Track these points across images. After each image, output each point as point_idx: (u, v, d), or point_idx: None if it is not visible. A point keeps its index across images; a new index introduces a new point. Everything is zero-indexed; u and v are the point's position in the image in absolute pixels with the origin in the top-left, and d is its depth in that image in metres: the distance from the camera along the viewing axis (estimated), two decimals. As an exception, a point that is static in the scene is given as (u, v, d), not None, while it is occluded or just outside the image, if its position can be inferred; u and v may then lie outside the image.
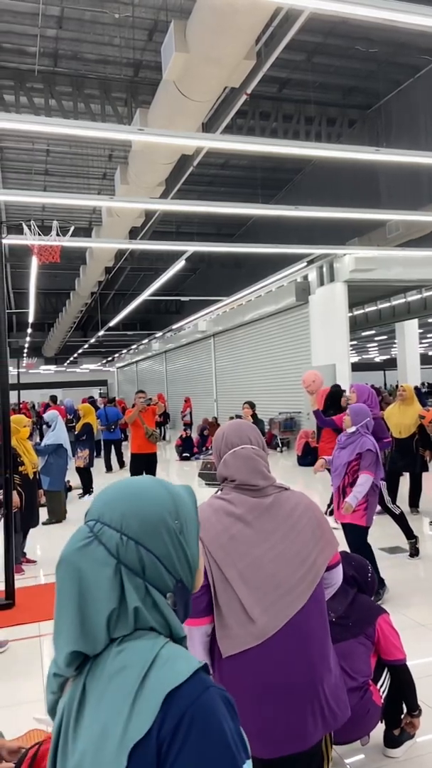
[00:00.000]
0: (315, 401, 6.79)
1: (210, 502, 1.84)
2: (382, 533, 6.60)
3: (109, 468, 13.28)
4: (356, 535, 4.45)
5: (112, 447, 13.45)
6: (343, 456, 4.48)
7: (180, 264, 10.93)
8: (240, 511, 1.77)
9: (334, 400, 7.21)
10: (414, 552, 5.74)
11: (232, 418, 12.83)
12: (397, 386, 9.90)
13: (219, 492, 1.90)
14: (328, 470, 4.87)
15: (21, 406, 23.61)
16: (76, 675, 0.91)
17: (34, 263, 10.12)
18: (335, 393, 7.36)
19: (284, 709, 1.61)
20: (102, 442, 13.69)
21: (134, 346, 31.49)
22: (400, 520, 5.68)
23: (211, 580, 1.68)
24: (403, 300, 17.16)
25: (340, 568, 1.89)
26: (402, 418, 7.04)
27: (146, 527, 0.93)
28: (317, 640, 1.70)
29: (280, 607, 1.66)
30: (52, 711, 0.96)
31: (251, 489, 1.81)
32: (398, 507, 5.71)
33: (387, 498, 5.70)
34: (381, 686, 2.65)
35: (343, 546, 4.29)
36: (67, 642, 0.89)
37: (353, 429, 4.48)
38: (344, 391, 7.57)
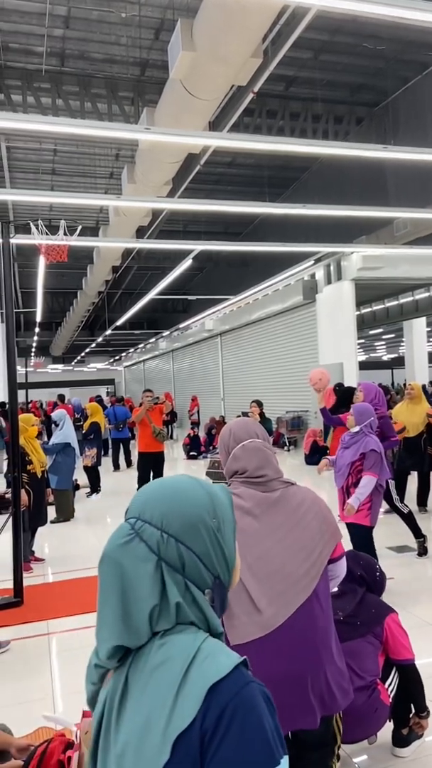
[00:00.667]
0: (322, 399, 6.78)
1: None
2: (389, 532, 6.58)
3: (116, 467, 13.32)
4: (360, 535, 4.42)
5: (121, 446, 13.49)
6: (347, 456, 4.45)
7: (187, 263, 10.94)
8: (248, 505, 1.81)
9: (346, 398, 7.19)
10: (422, 551, 5.72)
11: (239, 416, 12.83)
12: (404, 385, 9.86)
13: (229, 485, 1.93)
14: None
15: (30, 405, 23.68)
16: (118, 666, 0.95)
17: (42, 263, 10.15)
18: (347, 391, 7.35)
19: (288, 695, 1.66)
20: (110, 441, 13.74)
21: (141, 345, 31.53)
22: (409, 519, 5.66)
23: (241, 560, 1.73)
24: (411, 298, 17.08)
25: (343, 561, 1.92)
26: (410, 417, 7.01)
27: (186, 525, 0.96)
28: (321, 630, 1.74)
29: (287, 599, 1.71)
30: (92, 701, 1.00)
31: (260, 482, 1.86)
32: (406, 506, 5.70)
33: (395, 497, 5.69)
34: (389, 686, 2.64)
35: (347, 545, 4.29)
36: (110, 635, 0.92)
37: (357, 429, 4.46)
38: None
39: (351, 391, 7.38)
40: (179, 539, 0.94)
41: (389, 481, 5.69)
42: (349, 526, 4.48)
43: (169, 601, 0.92)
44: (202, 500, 0.99)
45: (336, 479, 4.60)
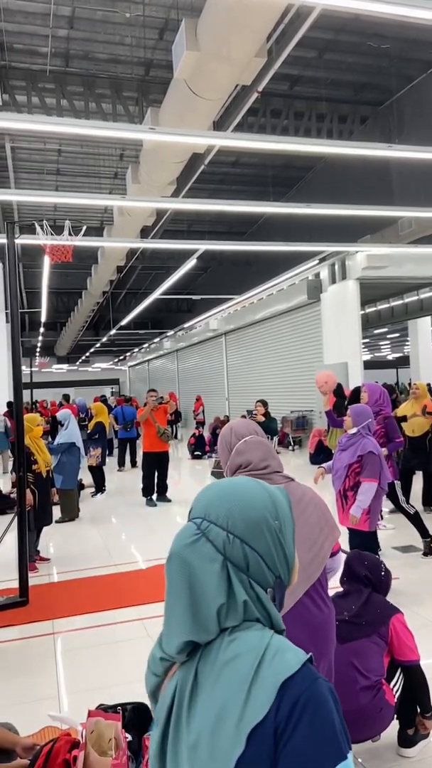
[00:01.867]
0: (328, 401, 6.74)
1: None
2: (395, 532, 6.57)
3: (122, 464, 13.40)
4: (360, 541, 4.31)
5: (127, 445, 13.55)
6: (344, 458, 4.33)
7: (191, 263, 10.93)
8: None
9: (354, 399, 7.20)
10: (428, 551, 5.70)
11: (243, 415, 12.83)
12: (409, 384, 9.85)
13: None
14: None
15: (38, 404, 23.77)
16: (186, 660, 0.98)
17: (47, 263, 10.17)
18: (354, 392, 7.37)
19: None
20: (117, 441, 13.81)
21: (146, 345, 31.56)
22: (415, 519, 5.65)
23: None
24: (415, 297, 17.04)
25: (341, 556, 1.99)
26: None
27: (250, 526, 0.99)
28: (320, 618, 1.81)
29: (292, 587, 1.73)
30: (154, 692, 1.04)
31: (265, 475, 1.92)
32: (412, 506, 5.68)
33: (401, 498, 5.67)
34: (394, 686, 2.64)
35: (345, 546, 4.27)
36: (181, 632, 0.96)
37: (354, 430, 4.35)
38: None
39: (358, 391, 7.39)
40: (244, 540, 0.98)
41: (395, 482, 5.69)
42: (348, 531, 4.42)
43: (236, 599, 0.96)
44: (264, 502, 1.02)
45: (333, 482, 4.48)
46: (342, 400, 7.14)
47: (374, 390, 5.85)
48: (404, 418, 7.01)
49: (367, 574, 2.84)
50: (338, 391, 8.69)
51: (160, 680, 1.03)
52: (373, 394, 5.76)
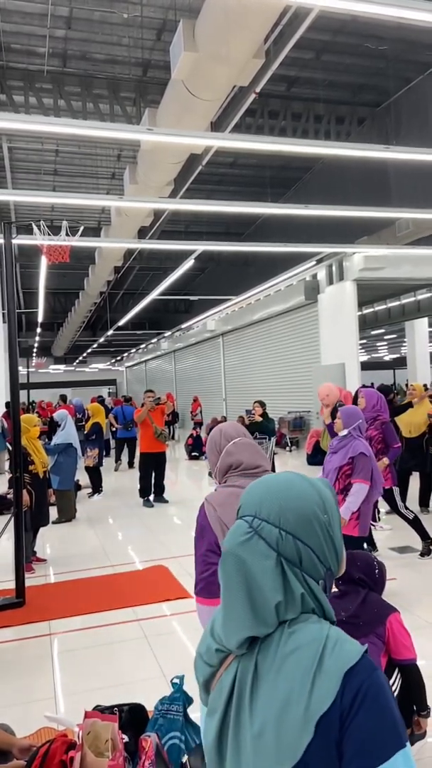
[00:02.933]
0: (328, 415, 6.60)
1: (222, 489, 2.03)
2: (391, 533, 6.58)
3: (118, 460, 13.47)
4: (351, 547, 4.29)
5: (126, 445, 13.60)
6: (335, 460, 4.22)
7: (189, 263, 10.93)
8: None
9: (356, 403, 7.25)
10: (426, 551, 5.71)
11: (242, 416, 12.83)
12: (406, 385, 9.87)
13: (223, 482, 2.07)
14: None
15: (37, 404, 23.76)
16: (244, 653, 1.01)
17: (44, 263, 10.16)
18: (384, 391, 7.47)
19: None
20: (115, 440, 13.90)
21: (143, 346, 31.55)
22: (415, 524, 5.64)
23: None
24: (413, 298, 17.06)
25: None
26: (412, 417, 7.01)
27: (302, 522, 1.02)
28: None
29: None
30: (207, 683, 1.07)
31: (257, 474, 2.04)
32: (411, 512, 5.66)
33: (400, 504, 5.66)
34: (392, 686, 2.64)
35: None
36: (242, 627, 0.99)
37: (345, 432, 4.26)
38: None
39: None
40: (296, 536, 1.01)
41: (394, 488, 5.69)
42: None
43: (294, 593, 0.99)
44: (312, 496, 1.05)
45: None
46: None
47: (371, 396, 5.81)
48: (410, 404, 7.02)
49: (361, 576, 2.84)
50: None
51: (214, 670, 1.06)
52: (370, 400, 5.72)
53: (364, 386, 8.49)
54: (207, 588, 2.10)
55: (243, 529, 1.03)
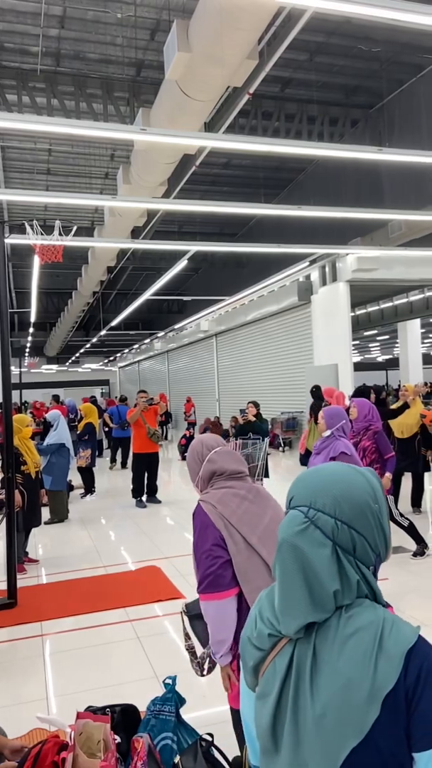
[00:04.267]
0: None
1: (215, 491, 2.17)
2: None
3: (112, 462, 13.44)
4: None
5: (120, 444, 13.59)
6: (317, 462, 4.10)
7: (182, 263, 10.92)
8: (243, 492, 2.21)
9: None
10: (419, 552, 5.73)
11: (235, 417, 12.83)
12: (398, 387, 9.90)
13: (209, 488, 2.22)
14: None
15: (31, 404, 23.69)
16: (300, 637, 1.06)
17: (36, 263, 10.12)
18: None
19: None
20: (112, 440, 13.95)
21: (136, 346, 31.50)
22: (411, 530, 5.66)
23: (234, 550, 2.06)
24: (405, 300, 17.15)
25: None
26: (404, 418, 7.04)
27: (356, 512, 1.06)
28: None
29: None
30: (256, 667, 1.11)
31: (241, 478, 2.26)
32: (406, 518, 5.67)
33: (395, 511, 5.68)
34: None
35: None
36: (301, 613, 1.03)
37: (328, 433, 4.21)
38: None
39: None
40: (351, 525, 1.04)
41: (388, 496, 5.71)
42: None
43: (350, 580, 1.04)
44: (365, 487, 1.08)
45: None
46: (319, 402, 7.14)
47: (363, 405, 5.76)
48: (406, 406, 7.04)
49: None
50: (317, 393, 8.80)
51: (265, 654, 1.10)
52: (362, 410, 5.68)
53: (363, 388, 8.41)
54: (214, 582, 2.09)
55: (299, 519, 1.06)
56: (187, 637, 2.49)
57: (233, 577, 2.07)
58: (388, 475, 5.53)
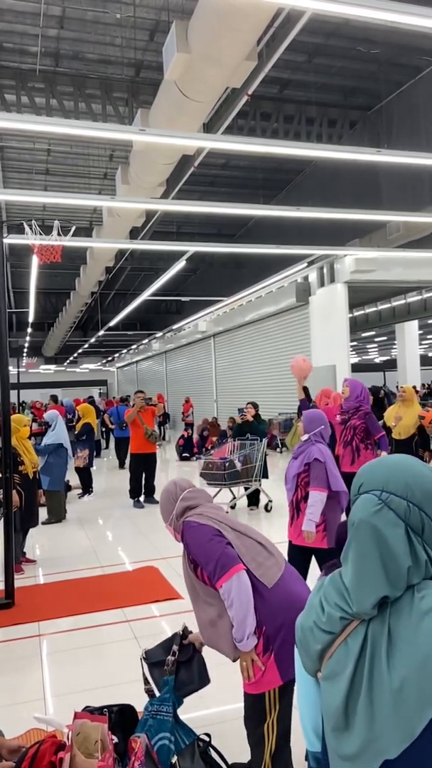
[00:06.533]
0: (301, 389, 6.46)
1: (194, 512, 2.46)
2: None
3: (122, 465, 13.59)
4: (322, 559, 3.93)
5: (119, 445, 13.69)
6: (293, 467, 4.05)
7: (180, 264, 10.93)
8: (218, 510, 2.51)
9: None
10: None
11: (232, 417, 12.82)
12: (397, 388, 9.92)
13: (183, 519, 2.48)
14: None
15: (32, 404, 23.66)
16: (372, 617, 1.13)
17: (35, 263, 10.12)
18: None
19: None
20: (114, 439, 14.02)
21: (134, 346, 31.48)
22: None
23: (231, 537, 2.31)
24: (403, 301, 17.18)
25: None
26: (402, 419, 7.05)
27: (426, 497, 1.13)
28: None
29: (275, 549, 2.43)
30: (323, 651, 1.18)
31: (214, 509, 2.51)
32: None
33: None
34: None
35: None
36: (376, 589, 1.10)
37: (306, 437, 4.06)
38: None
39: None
40: (421, 508, 1.12)
41: None
42: (303, 550, 4.01)
43: (419, 559, 1.11)
44: (431, 475, 1.17)
45: (286, 493, 4.18)
46: (308, 402, 7.17)
47: (356, 386, 5.98)
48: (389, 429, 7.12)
49: None
50: (306, 393, 8.76)
51: (334, 637, 1.16)
52: (354, 390, 5.89)
53: (373, 389, 8.63)
54: (227, 560, 2.23)
55: (373, 501, 1.13)
56: (145, 681, 2.60)
57: (237, 556, 2.26)
58: (382, 453, 5.74)
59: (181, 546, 2.48)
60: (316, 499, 3.88)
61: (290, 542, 4.11)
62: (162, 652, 2.62)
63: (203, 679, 2.55)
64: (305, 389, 6.16)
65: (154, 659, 2.62)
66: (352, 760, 1.10)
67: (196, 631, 2.58)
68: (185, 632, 2.66)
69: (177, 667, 2.51)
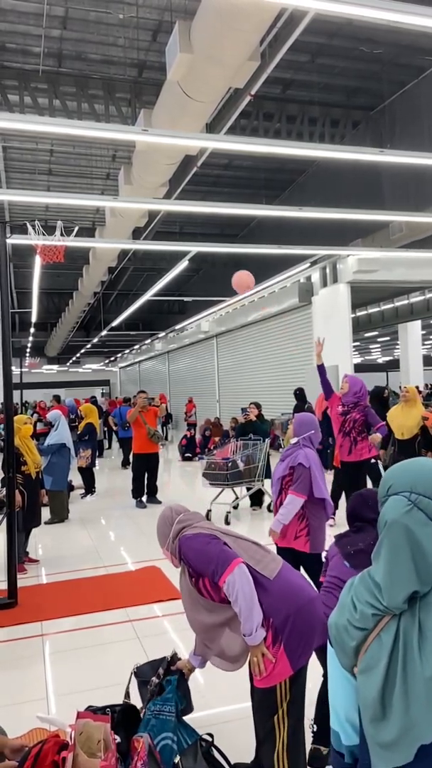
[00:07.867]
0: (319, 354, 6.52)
1: (189, 530, 2.56)
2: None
3: (124, 464, 13.56)
4: (306, 564, 3.86)
5: (123, 445, 13.68)
6: (279, 470, 4.00)
7: (183, 264, 10.93)
8: (210, 524, 2.64)
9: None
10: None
11: (235, 418, 12.82)
12: (400, 388, 9.92)
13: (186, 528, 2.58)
14: None
15: (36, 404, 23.68)
16: (403, 611, 1.19)
17: (38, 263, 10.13)
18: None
19: (319, 609, 2.31)
20: (118, 440, 14.04)
21: (137, 347, 31.49)
22: None
23: (226, 540, 2.40)
24: (406, 301, 17.15)
25: None
26: (405, 420, 7.02)
27: None
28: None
29: (269, 549, 2.56)
30: (358, 647, 1.24)
31: (210, 527, 2.62)
32: None
33: None
34: None
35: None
36: (408, 584, 1.17)
37: (295, 440, 4.01)
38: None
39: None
40: None
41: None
42: (286, 551, 3.94)
43: None
44: None
45: (272, 495, 4.16)
46: (302, 404, 7.30)
47: (355, 382, 6.13)
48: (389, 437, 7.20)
49: (375, 516, 2.80)
50: (300, 395, 9.03)
51: (368, 633, 1.22)
52: (353, 386, 6.05)
53: (378, 390, 8.95)
54: (226, 556, 2.31)
55: (403, 502, 1.20)
56: (127, 695, 2.65)
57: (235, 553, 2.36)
58: (377, 435, 6.06)
59: None
60: (292, 502, 3.83)
61: (276, 545, 4.05)
62: (152, 672, 2.65)
63: (186, 706, 2.57)
64: (300, 390, 6.48)
65: (142, 677, 2.68)
66: (390, 748, 1.16)
67: (185, 657, 2.63)
68: (173, 658, 2.68)
69: (160, 689, 2.52)
